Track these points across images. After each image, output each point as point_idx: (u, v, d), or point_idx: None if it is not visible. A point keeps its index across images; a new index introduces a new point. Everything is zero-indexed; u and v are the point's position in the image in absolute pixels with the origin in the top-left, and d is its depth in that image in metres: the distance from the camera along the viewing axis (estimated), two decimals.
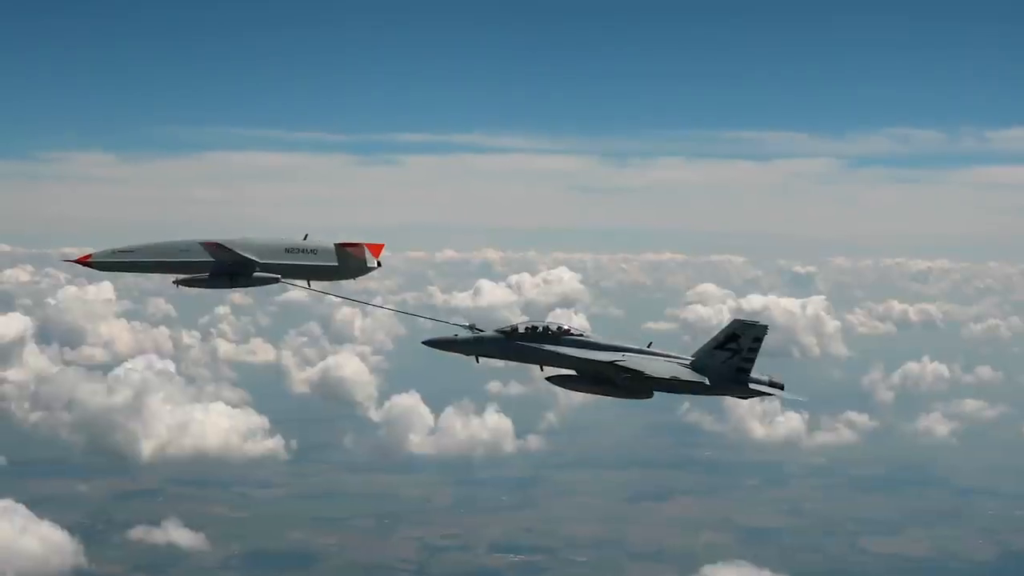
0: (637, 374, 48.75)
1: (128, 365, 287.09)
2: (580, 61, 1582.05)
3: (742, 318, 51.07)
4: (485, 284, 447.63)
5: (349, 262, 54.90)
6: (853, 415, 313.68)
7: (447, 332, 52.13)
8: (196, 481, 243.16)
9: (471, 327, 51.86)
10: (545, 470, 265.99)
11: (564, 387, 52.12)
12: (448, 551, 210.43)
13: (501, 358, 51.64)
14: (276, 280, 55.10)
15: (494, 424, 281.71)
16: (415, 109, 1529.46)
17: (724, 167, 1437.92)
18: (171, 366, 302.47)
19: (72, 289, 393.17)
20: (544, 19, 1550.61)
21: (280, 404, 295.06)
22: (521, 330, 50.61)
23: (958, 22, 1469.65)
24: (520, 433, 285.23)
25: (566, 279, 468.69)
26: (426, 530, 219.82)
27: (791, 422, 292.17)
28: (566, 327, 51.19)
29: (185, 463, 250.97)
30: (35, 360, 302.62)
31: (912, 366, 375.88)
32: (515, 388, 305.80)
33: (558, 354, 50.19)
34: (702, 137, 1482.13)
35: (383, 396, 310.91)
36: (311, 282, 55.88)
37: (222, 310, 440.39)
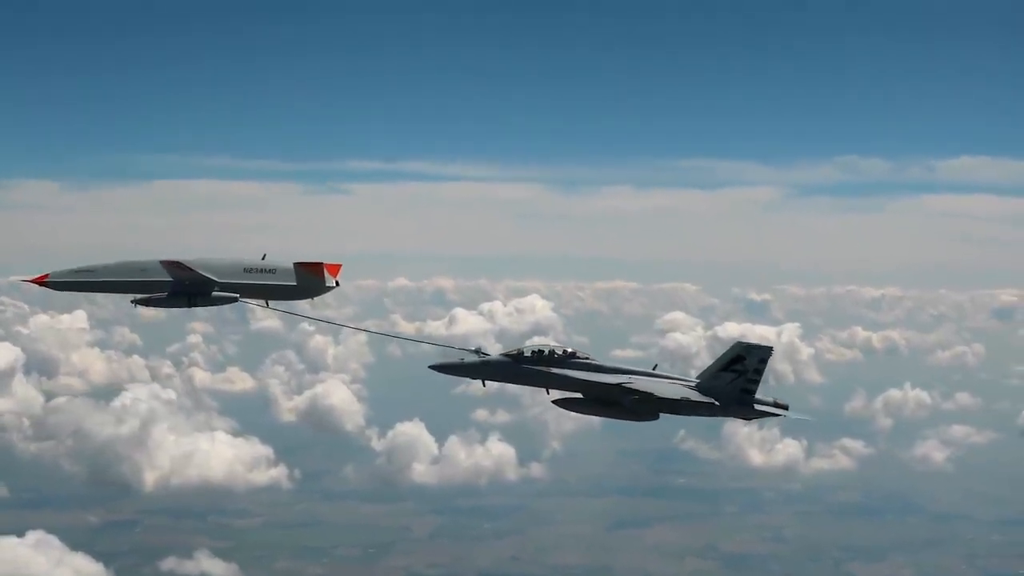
0: (646, 396, 49.27)
1: (130, 394, 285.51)
2: (528, 89, 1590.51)
3: (745, 341, 51.76)
4: (460, 312, 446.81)
5: (307, 282, 54.98)
6: (848, 441, 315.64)
7: (452, 357, 52.41)
8: (183, 511, 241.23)
9: (477, 351, 52.29)
10: (528, 499, 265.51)
11: (571, 410, 52.48)
12: None
13: (507, 382, 51.94)
14: (235, 299, 54.90)
15: (496, 452, 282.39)
16: (363, 137, 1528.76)
17: (671, 195, 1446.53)
18: (172, 395, 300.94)
19: (44, 318, 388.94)
20: (492, 48, 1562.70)
21: (271, 433, 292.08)
22: (527, 353, 50.93)
23: (903, 52, 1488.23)
24: (521, 461, 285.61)
25: (538, 307, 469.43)
26: (411, 559, 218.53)
27: (789, 448, 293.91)
28: (571, 350, 51.57)
29: (187, 493, 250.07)
30: (23, 390, 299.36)
31: (894, 393, 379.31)
32: (502, 416, 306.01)
33: (565, 377, 50.50)
34: (649, 165, 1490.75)
35: (369, 424, 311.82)
36: (269, 302, 55.72)
37: (193, 339, 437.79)
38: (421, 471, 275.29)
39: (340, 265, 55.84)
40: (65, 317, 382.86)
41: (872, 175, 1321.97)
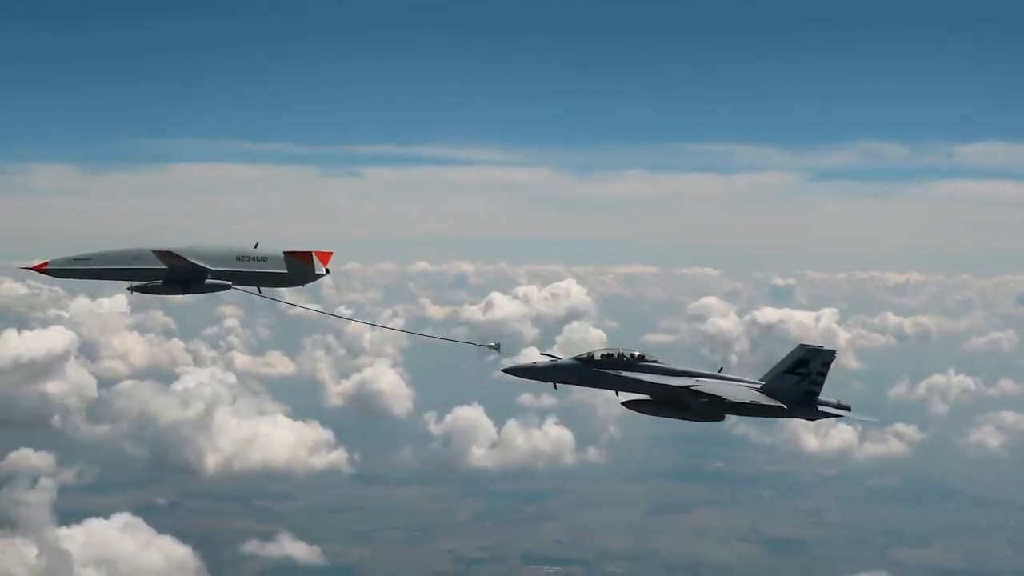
0: (715, 399, 50.98)
1: (191, 378, 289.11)
2: (543, 74, 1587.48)
3: (808, 344, 53.25)
4: (497, 297, 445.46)
5: (298, 269, 56.20)
6: (901, 427, 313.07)
7: (525, 360, 54.46)
8: (238, 494, 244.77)
9: (496, 346, 54.85)
10: (570, 482, 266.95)
11: (639, 411, 54.12)
12: (483, 563, 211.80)
13: (578, 384, 53.72)
14: (228, 287, 56.24)
15: (554, 436, 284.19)
16: (378, 121, 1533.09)
17: (688, 180, 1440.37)
18: (232, 379, 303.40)
19: (84, 301, 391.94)
20: (507, 32, 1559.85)
21: (320, 417, 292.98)
22: (597, 357, 52.48)
23: (922, 37, 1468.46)
24: (578, 446, 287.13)
25: (573, 292, 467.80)
26: (457, 543, 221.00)
27: (844, 434, 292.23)
28: (639, 353, 53.22)
29: (243, 477, 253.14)
30: (77, 374, 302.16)
31: (938, 379, 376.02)
32: (547, 400, 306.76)
33: (634, 380, 52.18)
34: (665, 150, 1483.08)
35: (417, 408, 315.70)
36: (262, 289, 57.12)
37: (229, 323, 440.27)
38: (480, 455, 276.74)
39: (331, 253, 56.99)
40: (105, 301, 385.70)
41: (891, 160, 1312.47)
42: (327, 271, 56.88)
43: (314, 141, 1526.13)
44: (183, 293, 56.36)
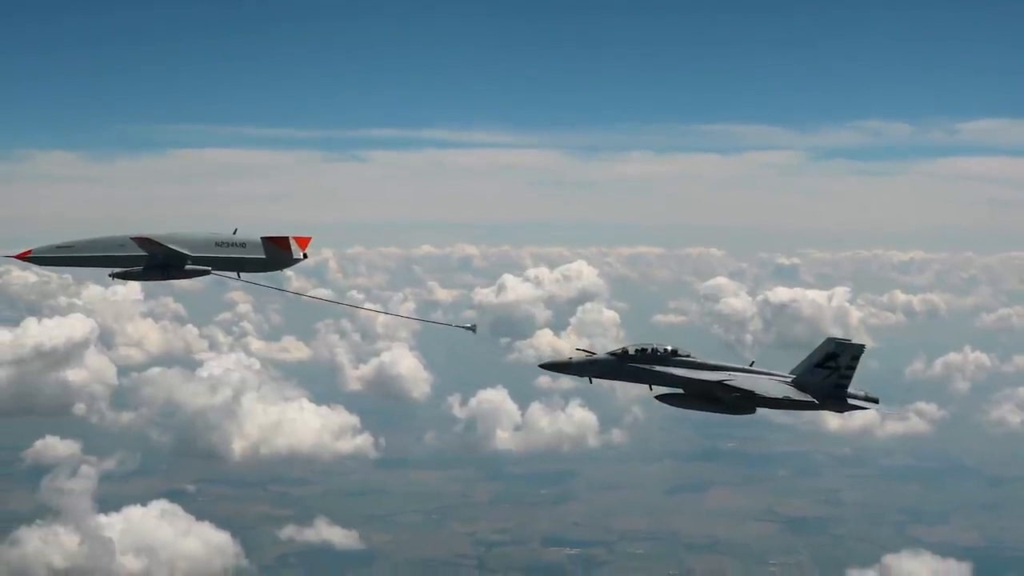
0: (747, 394, 52.22)
1: (215, 364, 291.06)
2: (547, 55, 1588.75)
3: (837, 338, 54.44)
4: (509, 279, 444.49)
5: (276, 254, 57.36)
6: (922, 405, 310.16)
7: (561, 356, 55.95)
8: (265, 479, 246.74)
9: (473, 327, 56.95)
10: (585, 464, 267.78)
11: (672, 405, 55.52)
12: (502, 546, 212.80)
13: (613, 379, 55.05)
14: (207, 272, 57.28)
15: (578, 418, 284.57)
16: (381, 104, 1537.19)
17: (692, 160, 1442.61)
18: (256, 365, 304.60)
19: (98, 289, 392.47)
20: (511, 14, 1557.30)
21: (339, 402, 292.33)
22: (631, 352, 53.75)
23: (924, 14, 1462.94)
24: (602, 427, 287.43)
25: (584, 273, 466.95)
26: (475, 526, 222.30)
27: (867, 413, 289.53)
28: (672, 348, 54.47)
29: (265, 462, 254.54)
30: (97, 361, 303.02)
31: (954, 356, 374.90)
32: (566, 383, 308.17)
33: (668, 374, 53.45)
34: (670, 130, 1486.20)
35: (435, 391, 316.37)
36: (241, 274, 58.24)
37: (242, 308, 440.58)
38: (504, 438, 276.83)
39: (310, 238, 58.15)
40: (119, 288, 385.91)
41: (893, 138, 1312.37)
42: (305, 255, 58.06)
43: (317, 125, 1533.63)
44: (163, 279, 57.57)
